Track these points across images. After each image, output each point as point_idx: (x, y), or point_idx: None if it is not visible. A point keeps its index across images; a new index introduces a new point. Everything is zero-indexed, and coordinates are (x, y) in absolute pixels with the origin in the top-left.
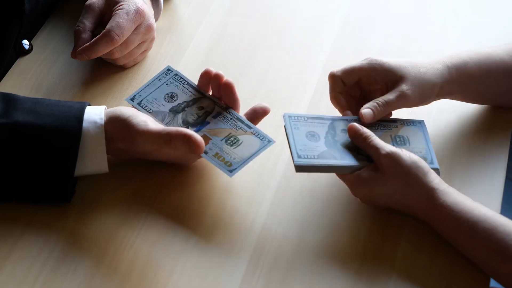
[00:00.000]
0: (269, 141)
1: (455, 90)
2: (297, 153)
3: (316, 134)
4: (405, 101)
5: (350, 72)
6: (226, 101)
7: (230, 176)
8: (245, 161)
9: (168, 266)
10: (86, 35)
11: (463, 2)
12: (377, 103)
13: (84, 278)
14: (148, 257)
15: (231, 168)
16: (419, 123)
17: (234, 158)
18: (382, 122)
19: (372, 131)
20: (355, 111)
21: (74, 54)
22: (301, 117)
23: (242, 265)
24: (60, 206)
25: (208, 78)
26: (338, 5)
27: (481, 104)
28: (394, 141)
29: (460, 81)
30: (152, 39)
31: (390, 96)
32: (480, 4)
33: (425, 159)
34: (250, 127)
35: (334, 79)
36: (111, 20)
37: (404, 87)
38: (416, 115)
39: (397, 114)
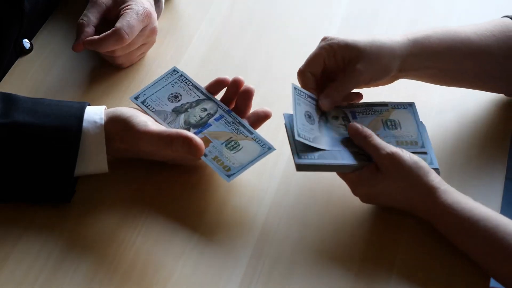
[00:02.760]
0: (269, 148)
1: (418, 66)
2: (297, 153)
3: (313, 116)
4: (360, 78)
5: (314, 60)
6: (239, 105)
7: (228, 181)
8: (244, 167)
9: (168, 266)
10: (90, 29)
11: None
12: (333, 89)
13: (84, 278)
14: (148, 257)
15: (229, 173)
16: (410, 106)
17: (233, 163)
18: (373, 107)
19: (363, 116)
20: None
21: (77, 46)
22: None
23: (242, 265)
24: (60, 206)
25: (223, 84)
26: (338, 5)
27: (450, 86)
28: (385, 125)
29: (422, 55)
30: (153, 42)
31: (344, 77)
32: (481, 3)
33: (424, 158)
34: (251, 133)
35: (303, 74)
36: (120, 19)
37: (358, 65)
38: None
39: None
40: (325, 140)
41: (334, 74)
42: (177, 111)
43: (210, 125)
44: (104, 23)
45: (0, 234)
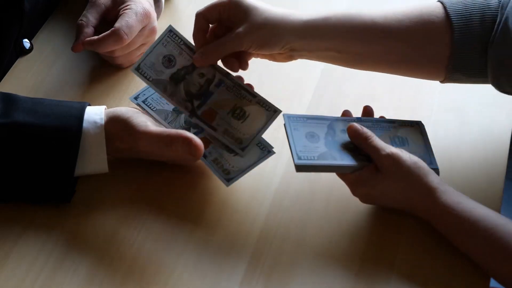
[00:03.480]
0: (269, 152)
1: (312, 48)
2: (297, 154)
3: (316, 135)
4: (237, 43)
5: (212, 8)
6: None
7: (227, 185)
8: (243, 171)
9: (169, 266)
10: (89, 29)
11: None
12: (211, 46)
13: (84, 278)
14: (148, 257)
15: (228, 176)
16: (417, 124)
17: (232, 166)
18: (381, 123)
19: (371, 131)
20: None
21: (76, 46)
22: (300, 117)
23: (242, 265)
24: (60, 206)
25: None
26: (337, 6)
27: (359, 69)
28: (393, 142)
29: (315, 36)
30: (152, 41)
31: (225, 38)
32: None
33: (424, 159)
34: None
35: (197, 16)
36: (120, 19)
37: (240, 29)
38: (416, 115)
39: (398, 114)
40: (333, 154)
41: (228, 30)
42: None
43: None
44: (104, 24)
45: (0, 234)
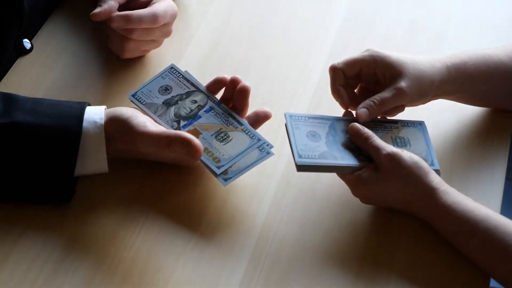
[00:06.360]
0: (268, 153)
1: (453, 90)
2: (298, 153)
3: (317, 134)
4: (402, 98)
5: (352, 64)
6: (236, 104)
7: (225, 185)
8: (241, 171)
9: (168, 266)
10: (114, 2)
11: (464, 0)
12: (373, 102)
13: (84, 278)
14: (148, 257)
15: (222, 171)
16: (420, 124)
17: (222, 155)
18: (383, 123)
19: (373, 131)
20: (356, 103)
21: (99, 14)
22: (302, 116)
23: (242, 265)
24: (60, 206)
25: (222, 83)
26: (338, 5)
27: (479, 106)
28: (395, 142)
29: (458, 81)
30: (160, 43)
31: (386, 93)
32: (481, 3)
33: (425, 160)
34: (241, 124)
35: (336, 71)
36: (157, 4)
37: (402, 83)
38: (416, 115)
39: (398, 114)
40: (334, 153)
41: (367, 83)
42: (167, 104)
43: (200, 116)
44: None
45: (0, 234)
